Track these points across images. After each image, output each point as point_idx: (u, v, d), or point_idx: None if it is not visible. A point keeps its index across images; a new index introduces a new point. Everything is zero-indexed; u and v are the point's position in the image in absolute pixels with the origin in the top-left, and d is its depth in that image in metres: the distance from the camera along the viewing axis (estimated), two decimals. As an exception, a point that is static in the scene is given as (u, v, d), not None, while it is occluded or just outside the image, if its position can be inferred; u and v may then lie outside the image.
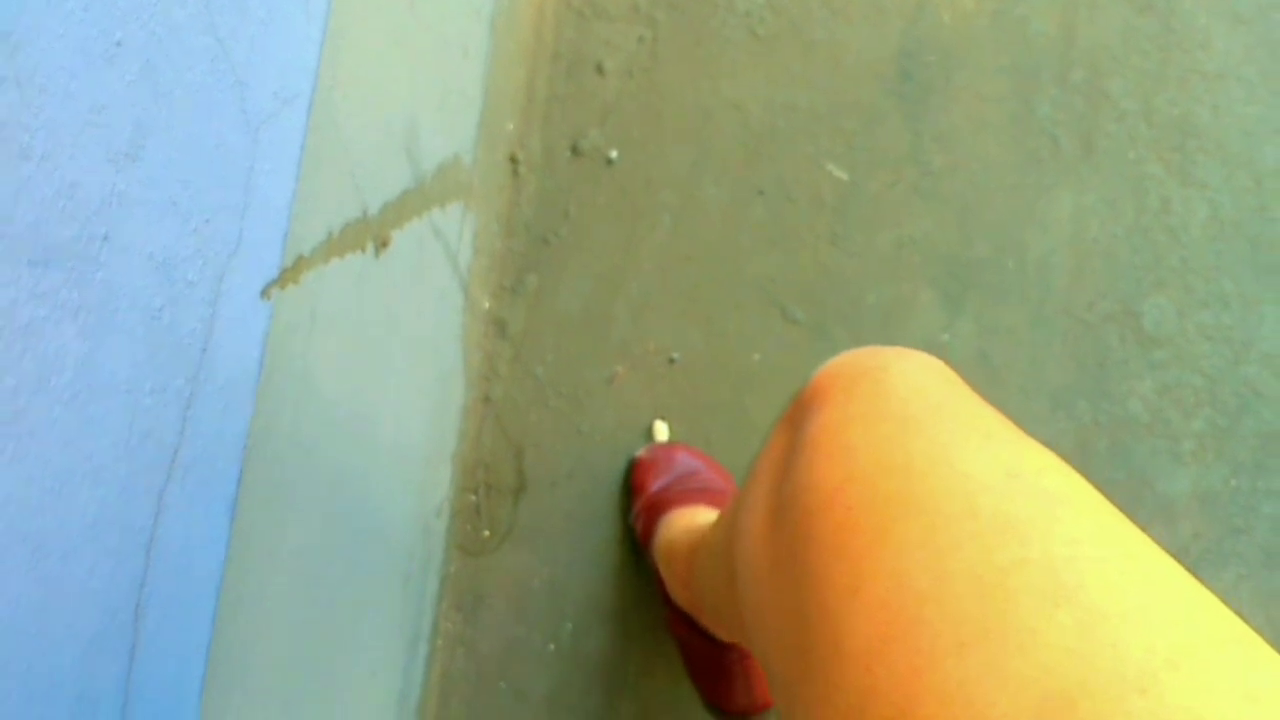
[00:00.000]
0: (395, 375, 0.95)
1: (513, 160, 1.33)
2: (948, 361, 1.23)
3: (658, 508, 1.14)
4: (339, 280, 0.76)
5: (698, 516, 1.10)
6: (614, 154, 1.34)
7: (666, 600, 1.14)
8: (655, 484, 1.18)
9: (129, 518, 0.51)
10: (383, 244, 0.84)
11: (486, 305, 1.30)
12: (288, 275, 0.65)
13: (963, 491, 0.39)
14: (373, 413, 0.89)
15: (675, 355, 1.30)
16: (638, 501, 1.19)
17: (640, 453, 1.24)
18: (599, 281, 1.32)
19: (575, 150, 1.34)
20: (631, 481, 1.22)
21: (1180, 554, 1.26)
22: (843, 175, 1.33)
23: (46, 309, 0.42)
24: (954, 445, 0.41)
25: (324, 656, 0.82)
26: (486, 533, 1.28)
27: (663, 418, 1.27)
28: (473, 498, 1.29)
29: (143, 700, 0.54)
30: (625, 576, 1.26)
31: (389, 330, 0.91)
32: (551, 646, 1.27)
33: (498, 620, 1.27)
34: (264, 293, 0.62)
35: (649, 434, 1.27)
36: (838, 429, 0.45)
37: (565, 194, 1.33)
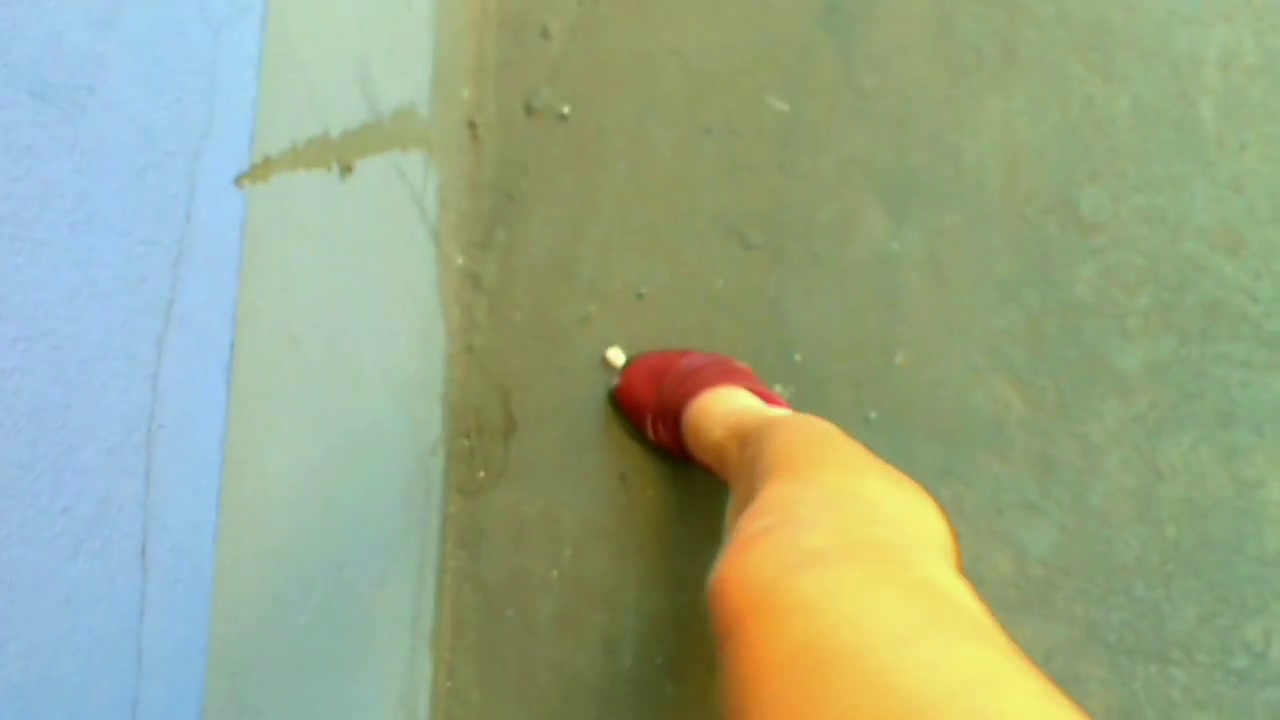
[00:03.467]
0: (373, 300, 1.02)
1: (471, 125, 1.41)
2: (899, 270, 1.31)
3: (665, 411, 1.22)
4: (308, 192, 0.83)
5: (711, 407, 1.16)
6: (566, 109, 1.42)
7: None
8: (648, 395, 1.25)
9: (134, 349, 0.58)
10: (347, 168, 0.92)
11: (460, 261, 1.37)
12: (258, 171, 0.73)
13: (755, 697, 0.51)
14: (356, 327, 0.96)
15: (643, 290, 1.37)
16: (645, 418, 1.26)
17: (616, 381, 1.31)
18: (564, 230, 1.40)
19: (529, 110, 1.42)
20: (625, 409, 1.30)
21: (1138, 423, 1.33)
22: (783, 106, 1.41)
23: (46, 138, 0.50)
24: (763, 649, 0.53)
25: (331, 546, 0.89)
26: (482, 473, 1.35)
27: (612, 344, 1.35)
28: (465, 441, 1.36)
29: (161, 524, 0.61)
30: (617, 500, 1.33)
31: (363, 255, 0.98)
32: (554, 573, 1.33)
33: (500, 554, 1.34)
34: (237, 181, 0.70)
35: (606, 364, 1.34)
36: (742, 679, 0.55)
37: (524, 151, 1.41)
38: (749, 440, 0.95)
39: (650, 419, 1.27)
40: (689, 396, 1.19)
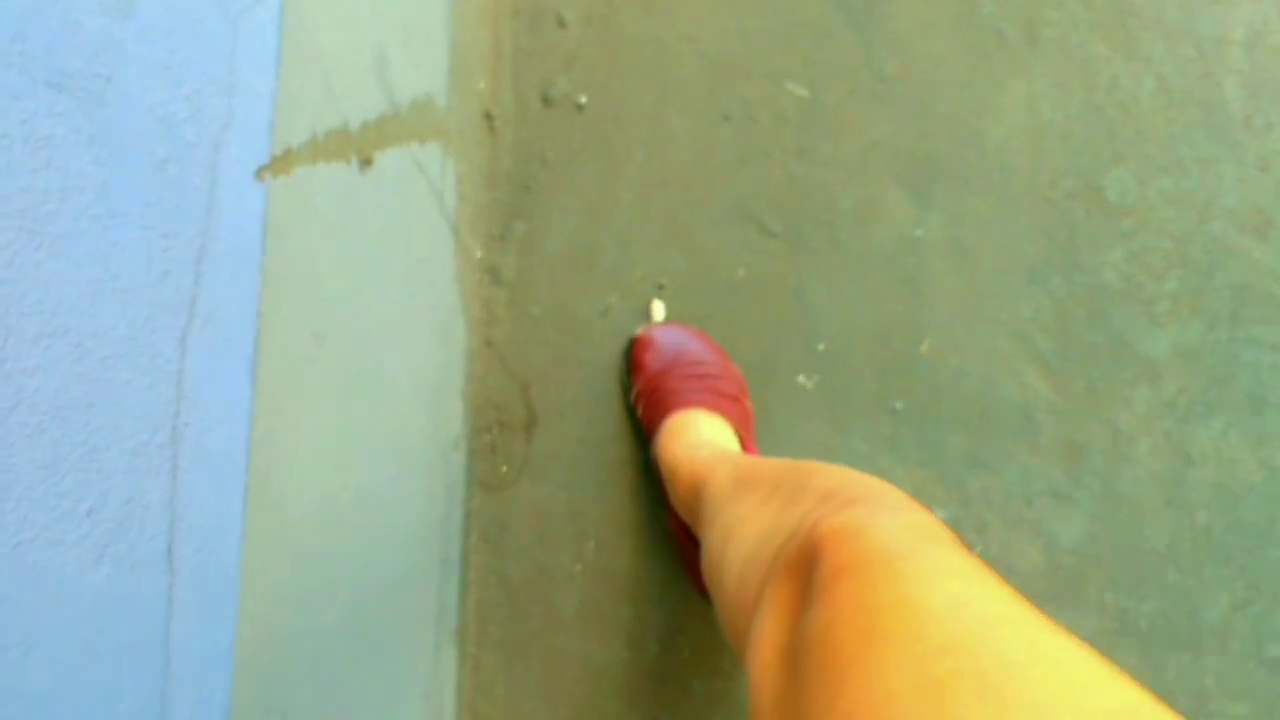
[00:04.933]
0: (394, 295, 1.01)
1: (488, 117, 1.40)
2: (923, 257, 1.29)
3: (659, 395, 1.20)
4: (328, 184, 0.82)
5: (701, 429, 1.16)
6: (583, 99, 1.40)
7: (665, 500, 1.19)
8: (655, 363, 1.24)
9: (157, 347, 0.56)
10: (366, 161, 0.91)
11: (479, 254, 1.36)
12: (278, 163, 0.72)
13: (916, 622, 0.49)
14: (378, 322, 0.95)
15: (663, 281, 1.36)
16: (638, 381, 1.25)
17: (639, 331, 1.30)
18: (583, 220, 1.38)
19: (546, 100, 1.41)
20: (631, 358, 1.29)
21: (1168, 410, 1.31)
22: (802, 92, 1.39)
23: (64, 129, 0.48)
24: (922, 587, 0.51)
25: (356, 544, 0.88)
26: (504, 468, 1.34)
27: (660, 297, 1.34)
28: (487, 437, 1.35)
29: (188, 525, 0.60)
30: (640, 492, 1.32)
31: (383, 249, 0.97)
32: (578, 567, 1.32)
33: (524, 548, 1.32)
34: (258, 173, 0.68)
35: (647, 314, 1.33)
36: (855, 619, 0.53)
37: (541, 142, 1.40)
38: (757, 464, 0.93)
39: (639, 389, 1.25)
40: (683, 403, 1.18)
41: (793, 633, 0.57)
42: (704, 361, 1.24)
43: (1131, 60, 1.37)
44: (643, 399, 1.24)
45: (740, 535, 0.76)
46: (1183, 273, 1.34)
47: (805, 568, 0.59)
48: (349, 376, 0.87)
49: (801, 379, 1.33)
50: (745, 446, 1.18)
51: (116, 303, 0.52)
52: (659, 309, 1.33)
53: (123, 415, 0.53)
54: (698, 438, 1.14)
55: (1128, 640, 1.29)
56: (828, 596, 0.54)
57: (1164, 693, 1.28)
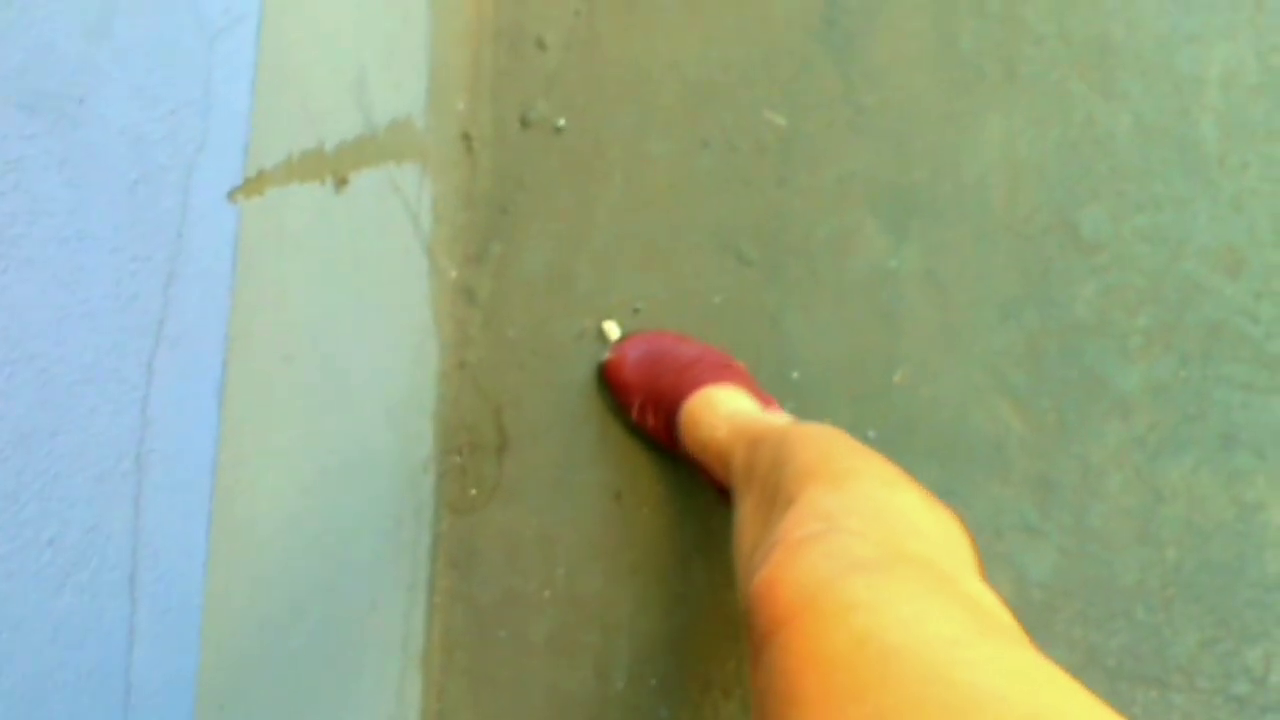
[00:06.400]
0: (366, 316, 1.00)
1: (466, 137, 1.39)
2: (898, 288, 1.29)
3: (659, 400, 1.21)
4: (302, 206, 0.81)
5: (716, 406, 1.17)
6: (562, 122, 1.40)
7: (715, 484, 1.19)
8: (639, 376, 1.24)
9: (123, 372, 0.55)
10: (342, 181, 0.90)
11: (453, 275, 1.35)
12: (252, 185, 0.71)
13: (825, 673, 0.52)
14: (349, 344, 0.94)
15: (639, 305, 1.35)
16: (633, 399, 1.25)
17: (608, 355, 1.30)
18: (560, 243, 1.38)
19: (524, 122, 1.40)
20: (612, 384, 1.28)
21: (1139, 445, 1.31)
22: (781, 121, 1.39)
23: (34, 151, 0.47)
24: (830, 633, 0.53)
25: (322, 569, 0.87)
26: (474, 491, 1.33)
27: (609, 317, 1.33)
28: (457, 458, 1.34)
29: (151, 552, 0.59)
30: (612, 518, 1.31)
31: (356, 270, 0.96)
32: (547, 593, 1.31)
33: (493, 573, 1.31)
34: (231, 195, 0.68)
35: (602, 337, 1.33)
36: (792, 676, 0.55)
37: (519, 164, 1.39)
38: (760, 444, 0.95)
39: (639, 403, 1.25)
40: (688, 389, 1.19)
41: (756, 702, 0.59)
42: (681, 353, 1.25)
43: (1109, 98, 1.38)
44: (648, 411, 1.24)
45: (741, 546, 0.80)
46: (1155, 309, 1.34)
47: (750, 628, 0.61)
48: (318, 398, 0.86)
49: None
50: (764, 400, 1.20)
51: (84, 327, 0.51)
52: (613, 328, 1.33)
53: (87, 442, 0.52)
54: (714, 416, 1.15)
55: (1095, 674, 1.29)
56: (760, 662, 0.57)
57: (1131, 729, 1.28)
